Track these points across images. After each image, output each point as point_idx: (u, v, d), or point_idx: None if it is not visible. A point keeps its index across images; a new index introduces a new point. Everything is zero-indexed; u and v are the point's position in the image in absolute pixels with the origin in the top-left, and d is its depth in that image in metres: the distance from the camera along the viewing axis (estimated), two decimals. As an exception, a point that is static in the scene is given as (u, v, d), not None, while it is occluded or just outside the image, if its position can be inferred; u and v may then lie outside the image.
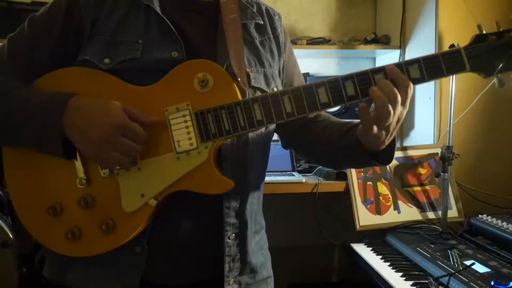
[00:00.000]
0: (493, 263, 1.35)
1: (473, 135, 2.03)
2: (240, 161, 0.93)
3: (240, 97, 0.86)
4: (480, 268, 1.33)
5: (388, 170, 1.94)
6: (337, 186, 1.93)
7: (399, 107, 0.81)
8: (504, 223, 1.56)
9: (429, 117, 2.08)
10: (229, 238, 0.93)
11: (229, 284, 0.93)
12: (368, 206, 1.86)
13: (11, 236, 1.56)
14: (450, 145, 1.79)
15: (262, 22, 1.02)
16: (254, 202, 0.99)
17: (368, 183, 1.90)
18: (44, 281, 0.97)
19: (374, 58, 2.61)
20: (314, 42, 2.42)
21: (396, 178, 1.93)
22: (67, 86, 0.87)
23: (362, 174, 1.91)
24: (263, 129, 0.98)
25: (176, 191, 0.86)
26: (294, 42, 2.38)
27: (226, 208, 0.92)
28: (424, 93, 2.13)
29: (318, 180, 1.94)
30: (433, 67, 0.83)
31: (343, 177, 1.95)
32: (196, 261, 0.93)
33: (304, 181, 1.93)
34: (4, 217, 1.59)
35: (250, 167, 0.96)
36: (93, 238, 0.87)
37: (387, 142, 0.87)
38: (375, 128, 0.82)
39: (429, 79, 0.84)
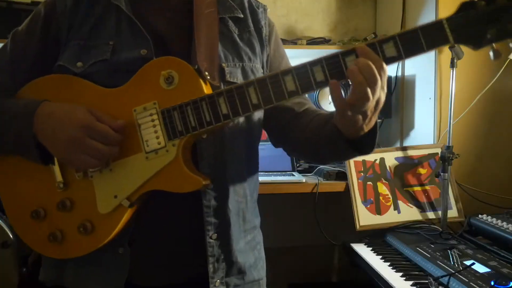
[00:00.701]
0: (493, 263, 1.35)
1: (473, 135, 2.03)
2: (218, 159, 0.92)
3: (206, 92, 0.85)
4: (480, 268, 1.33)
5: (388, 170, 1.94)
6: (337, 186, 1.93)
7: (378, 91, 0.76)
8: (504, 223, 1.56)
9: (429, 117, 2.08)
10: (211, 237, 0.91)
11: (215, 286, 0.92)
12: (368, 206, 1.86)
13: (11, 236, 1.56)
14: (450, 145, 1.78)
15: (241, 16, 1.01)
16: (241, 200, 0.97)
17: (368, 183, 1.90)
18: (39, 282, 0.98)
19: (374, 58, 2.60)
20: (314, 42, 2.42)
21: (396, 178, 1.93)
22: (42, 94, 0.89)
23: (362, 174, 1.91)
24: (244, 125, 0.96)
25: (149, 190, 0.86)
26: (294, 42, 2.38)
27: (206, 207, 0.91)
28: (424, 93, 2.13)
29: (318, 180, 1.94)
30: (411, 43, 0.75)
31: (343, 177, 1.96)
32: (180, 261, 0.92)
33: (304, 181, 1.93)
34: (4, 217, 1.59)
35: (230, 164, 0.94)
36: (73, 240, 0.88)
37: (366, 128, 0.82)
38: (349, 112, 0.77)
39: (406, 56, 0.76)
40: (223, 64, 0.93)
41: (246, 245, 0.99)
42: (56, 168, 0.88)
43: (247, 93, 0.82)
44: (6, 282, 1.58)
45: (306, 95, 1.07)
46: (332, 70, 0.78)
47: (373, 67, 0.74)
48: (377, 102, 0.77)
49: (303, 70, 0.79)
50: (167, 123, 0.84)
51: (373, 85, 0.74)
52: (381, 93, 0.77)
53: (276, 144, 1.12)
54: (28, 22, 0.96)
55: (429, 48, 0.75)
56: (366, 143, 0.86)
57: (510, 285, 1.20)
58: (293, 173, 2.08)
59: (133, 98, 0.86)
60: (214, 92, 0.84)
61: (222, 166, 0.93)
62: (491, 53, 0.77)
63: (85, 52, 0.90)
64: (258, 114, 1.01)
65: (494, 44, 0.75)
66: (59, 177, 0.88)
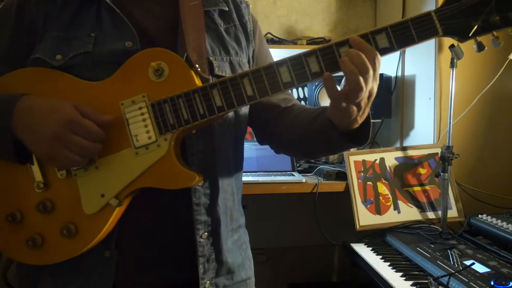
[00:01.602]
0: (493, 263, 1.35)
1: (473, 135, 2.03)
2: (207, 155, 0.89)
3: (198, 84, 0.82)
4: (480, 268, 1.33)
5: (388, 170, 1.94)
6: (337, 186, 1.93)
7: (370, 81, 0.76)
8: (504, 223, 1.56)
9: (429, 117, 2.08)
10: (201, 237, 0.88)
11: (205, 287, 0.89)
12: (368, 206, 1.86)
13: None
14: (450, 145, 1.78)
15: (226, 9, 0.99)
16: (228, 198, 0.95)
17: (368, 183, 1.90)
18: None
19: (374, 58, 2.61)
20: (314, 42, 2.42)
21: (396, 178, 1.93)
22: (19, 88, 0.84)
23: (362, 174, 1.91)
24: (232, 121, 0.94)
25: (138, 188, 0.82)
26: (294, 42, 2.38)
27: (196, 205, 0.88)
28: (424, 93, 2.13)
29: (318, 180, 1.94)
30: (402, 34, 0.77)
31: (343, 177, 1.96)
32: (169, 263, 0.89)
33: (304, 181, 1.93)
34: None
35: (219, 161, 0.92)
36: (55, 244, 0.83)
37: (360, 120, 0.82)
38: (343, 103, 0.77)
39: (399, 48, 0.78)
40: (211, 58, 0.91)
41: (233, 244, 0.97)
42: (35, 167, 0.83)
43: (241, 85, 0.80)
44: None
45: (289, 91, 1.07)
46: (326, 61, 0.78)
47: (363, 56, 0.75)
48: (370, 93, 0.78)
49: (298, 61, 0.79)
50: (158, 117, 0.81)
51: (364, 73, 0.74)
52: (373, 84, 0.77)
53: (262, 141, 1.10)
54: None
55: (420, 39, 0.77)
56: (360, 135, 0.85)
57: (510, 285, 1.20)
58: (293, 173, 2.08)
59: (119, 91, 0.82)
60: (208, 84, 0.81)
61: (211, 163, 0.90)
62: (475, 46, 0.79)
63: (64, 44, 0.85)
64: (245, 110, 0.99)
65: (477, 37, 0.77)
66: (38, 176, 0.83)
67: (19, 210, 0.85)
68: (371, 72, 0.75)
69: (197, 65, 0.84)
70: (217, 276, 0.92)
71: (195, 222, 0.88)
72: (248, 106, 0.99)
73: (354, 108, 0.78)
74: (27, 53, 0.87)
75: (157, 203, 0.87)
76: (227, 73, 0.92)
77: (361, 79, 0.74)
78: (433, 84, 2.04)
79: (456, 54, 1.72)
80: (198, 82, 0.83)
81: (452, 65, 1.77)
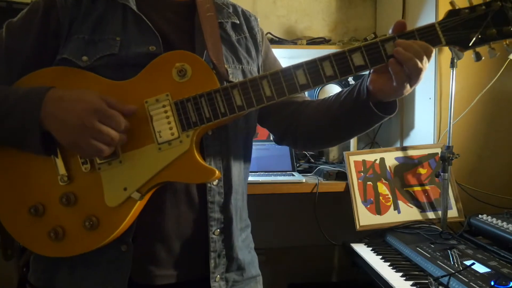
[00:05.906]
0: (493, 263, 1.35)
1: (473, 135, 2.03)
2: (222, 155, 0.94)
3: (219, 84, 0.87)
4: (480, 268, 1.33)
5: (388, 170, 1.94)
6: (337, 186, 1.93)
7: (426, 64, 0.83)
8: (504, 223, 1.56)
9: (429, 117, 2.08)
10: (213, 233, 0.93)
11: (215, 281, 0.93)
12: (368, 206, 1.86)
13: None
14: (450, 145, 1.78)
15: (238, 22, 1.05)
16: (239, 198, 0.99)
17: (368, 183, 1.90)
18: (29, 286, 0.95)
19: (374, 58, 2.60)
20: (314, 42, 2.42)
21: (396, 178, 1.93)
22: (47, 83, 0.87)
23: (362, 174, 1.91)
24: (243, 124, 0.99)
25: (160, 182, 0.86)
26: (294, 42, 2.38)
27: (210, 202, 0.93)
28: (424, 93, 2.13)
29: (318, 180, 1.94)
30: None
31: (343, 177, 1.96)
32: (183, 258, 0.93)
33: (304, 181, 1.93)
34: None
35: (233, 162, 0.96)
36: (77, 236, 0.86)
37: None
38: (408, 86, 0.86)
39: None
40: (225, 65, 0.96)
41: (242, 243, 1.01)
42: (59, 161, 0.86)
43: (260, 86, 0.85)
44: (6, 282, 1.58)
45: None
46: (339, 65, 0.84)
47: (414, 44, 0.82)
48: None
49: (313, 65, 0.85)
50: (181, 114, 0.86)
51: (420, 58, 0.82)
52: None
53: (281, 140, 1.14)
54: (25, 15, 0.95)
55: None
56: (393, 106, 0.94)
57: (510, 285, 1.20)
58: (293, 173, 2.08)
59: (143, 90, 0.87)
60: (228, 85, 0.86)
61: (226, 163, 0.95)
62: (473, 56, 0.88)
63: (90, 46, 0.89)
64: (254, 114, 1.04)
65: (476, 48, 0.85)
66: (62, 170, 0.86)
67: (41, 203, 0.87)
68: (424, 56, 0.82)
69: (218, 67, 0.90)
70: (227, 272, 0.96)
71: (209, 219, 0.93)
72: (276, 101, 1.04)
73: (409, 88, 0.87)
74: (52, 54, 0.91)
75: (174, 200, 0.90)
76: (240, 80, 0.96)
77: (418, 62, 0.82)
78: (433, 84, 2.04)
79: (456, 54, 1.72)
80: (218, 83, 0.88)
81: (452, 65, 1.77)
